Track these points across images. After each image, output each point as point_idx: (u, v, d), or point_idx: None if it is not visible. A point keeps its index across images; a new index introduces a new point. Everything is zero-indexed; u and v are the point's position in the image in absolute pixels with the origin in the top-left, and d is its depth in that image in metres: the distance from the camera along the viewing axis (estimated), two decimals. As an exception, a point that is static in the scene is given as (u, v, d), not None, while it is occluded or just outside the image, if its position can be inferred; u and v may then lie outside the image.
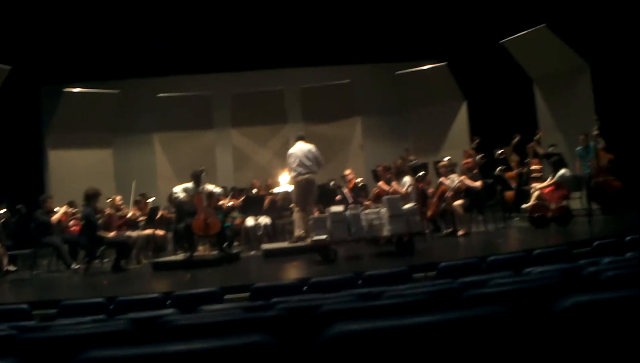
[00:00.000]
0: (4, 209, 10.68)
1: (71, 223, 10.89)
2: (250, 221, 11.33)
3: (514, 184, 11.58)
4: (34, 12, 12.70)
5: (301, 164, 9.58)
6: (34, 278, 9.64)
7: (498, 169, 11.54)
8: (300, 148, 9.70)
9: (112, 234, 9.98)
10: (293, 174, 9.74)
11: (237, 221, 11.46)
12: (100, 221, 9.99)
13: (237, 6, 13.95)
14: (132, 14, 13.53)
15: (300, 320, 2.51)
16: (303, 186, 9.68)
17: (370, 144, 15.59)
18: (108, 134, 14.59)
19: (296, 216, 9.84)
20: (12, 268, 10.42)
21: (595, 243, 5.81)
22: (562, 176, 9.98)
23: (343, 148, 15.14)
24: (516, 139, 11.91)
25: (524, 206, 10.50)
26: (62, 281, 9.31)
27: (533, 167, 11.36)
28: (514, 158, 11.88)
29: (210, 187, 9.96)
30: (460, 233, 9.95)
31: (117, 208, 10.79)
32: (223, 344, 1.56)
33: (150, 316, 3.70)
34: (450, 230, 10.38)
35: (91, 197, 9.75)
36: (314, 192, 9.95)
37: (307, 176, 9.63)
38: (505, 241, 9.12)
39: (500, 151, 11.91)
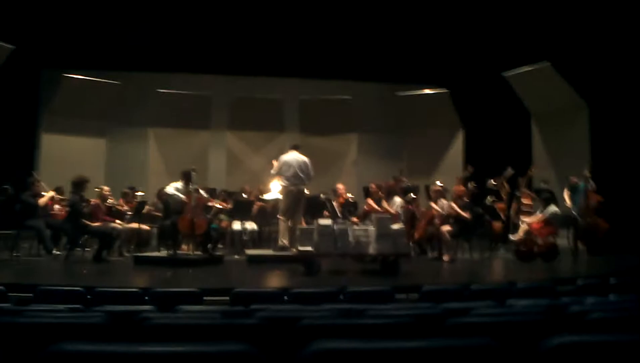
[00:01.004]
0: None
1: (56, 208, 10.77)
2: (237, 225, 11.29)
3: (502, 216, 11.58)
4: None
5: (295, 175, 9.64)
6: (14, 260, 9.53)
7: (489, 199, 11.54)
8: (296, 158, 9.74)
9: (96, 223, 9.88)
10: (285, 183, 9.74)
11: (224, 223, 11.41)
12: (86, 210, 9.89)
13: (247, 12, 13.98)
14: (140, 5, 13.52)
15: (280, 331, 2.47)
16: (294, 197, 9.72)
17: (364, 161, 15.58)
18: (104, 123, 14.50)
19: (282, 225, 9.83)
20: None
21: (579, 282, 5.81)
22: (553, 213, 10.00)
23: (337, 163, 15.14)
24: (509, 172, 11.92)
25: (511, 237, 10.51)
26: (42, 266, 9.21)
27: (523, 200, 11.38)
28: (505, 190, 11.89)
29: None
30: (445, 258, 9.94)
31: (104, 198, 10.69)
32: (202, 350, 1.52)
33: (128, 310, 3.65)
34: (435, 255, 10.36)
35: (79, 185, 9.70)
36: (303, 203, 9.95)
37: (298, 186, 9.68)
38: (489, 271, 9.13)
39: (492, 182, 11.92)
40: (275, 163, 10.10)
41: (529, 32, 12.59)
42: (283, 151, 10.22)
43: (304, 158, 9.87)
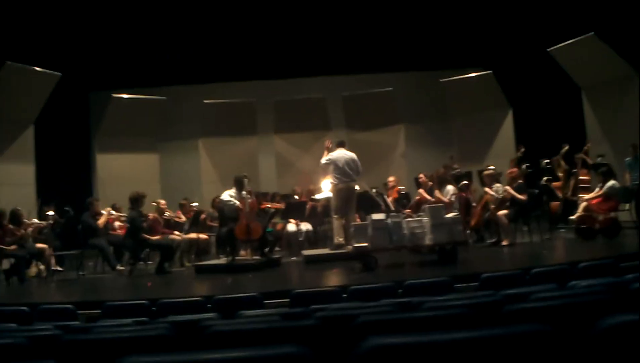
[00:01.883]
0: (52, 212, 10.96)
1: (117, 225, 11.10)
2: (291, 227, 11.39)
3: (560, 195, 11.32)
4: (84, 20, 13.08)
5: (344, 172, 9.64)
6: (80, 279, 9.87)
7: (544, 179, 11.29)
8: (343, 156, 9.74)
9: (156, 237, 10.13)
10: (335, 181, 9.75)
11: (279, 226, 11.53)
12: (145, 224, 10.15)
13: (281, 15, 14.09)
14: (178, 22, 13.82)
15: (337, 330, 2.50)
16: (344, 194, 9.71)
17: (413, 152, 15.49)
18: (154, 139, 14.87)
19: (336, 223, 9.85)
20: (59, 268, 10.71)
21: (644, 257, 5.63)
22: (612, 187, 9.70)
23: (385, 156, 15.09)
24: (565, 149, 11.63)
25: (571, 217, 10.24)
26: (107, 282, 9.52)
27: (581, 177, 11.09)
28: (562, 168, 11.61)
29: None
30: (504, 243, 9.76)
31: (162, 212, 10.95)
32: (258, 354, 1.57)
33: (191, 319, 3.75)
34: (494, 240, 10.18)
35: (136, 201, 9.95)
36: (354, 200, 9.95)
37: (348, 184, 9.69)
38: (550, 253, 8.93)
39: (546, 161, 11.66)
40: (328, 143, 10.17)
41: (569, 2, 12.26)
42: (331, 149, 10.22)
43: (352, 154, 9.86)
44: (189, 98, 15.53)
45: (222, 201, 10.01)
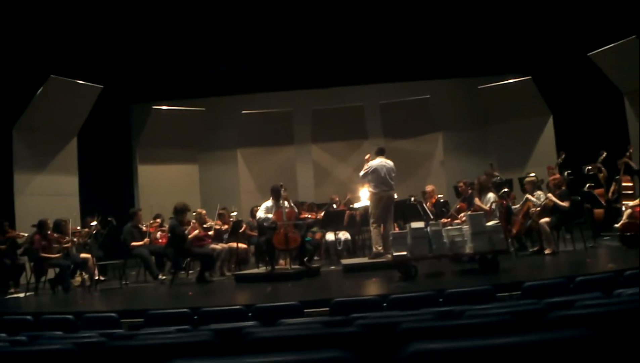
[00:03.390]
0: (95, 222, 11.19)
1: (158, 234, 11.26)
2: (330, 236, 11.39)
3: (603, 202, 11.07)
4: (124, 35, 13.38)
5: (385, 181, 9.60)
6: (123, 288, 10.04)
7: (587, 186, 11.07)
8: (384, 165, 9.70)
9: (197, 246, 10.23)
10: (375, 190, 9.71)
11: (317, 235, 11.54)
12: (186, 234, 10.26)
13: (316, 25, 14.17)
14: (215, 34, 14.02)
15: (379, 337, 2.50)
16: (384, 203, 9.68)
17: (452, 159, 15.36)
18: (194, 149, 15.03)
19: (375, 232, 9.81)
20: (102, 277, 10.93)
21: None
22: (657, 193, 9.47)
23: (424, 164, 14.98)
24: (602, 156, 11.39)
25: (615, 224, 10.01)
26: (149, 291, 9.66)
27: (624, 184, 10.84)
28: (603, 175, 11.36)
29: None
30: (546, 251, 9.60)
31: (203, 221, 11.06)
32: (301, 358, 1.58)
33: (233, 327, 3.78)
34: (536, 249, 10.02)
35: (180, 211, 10.05)
36: (392, 208, 9.90)
37: (389, 192, 9.66)
38: (594, 261, 8.72)
39: (589, 167, 11.43)
40: (368, 157, 10.11)
41: (610, 6, 12.04)
42: (370, 158, 10.18)
43: (391, 163, 9.83)
44: (227, 109, 15.74)
45: (258, 217, 10.04)
